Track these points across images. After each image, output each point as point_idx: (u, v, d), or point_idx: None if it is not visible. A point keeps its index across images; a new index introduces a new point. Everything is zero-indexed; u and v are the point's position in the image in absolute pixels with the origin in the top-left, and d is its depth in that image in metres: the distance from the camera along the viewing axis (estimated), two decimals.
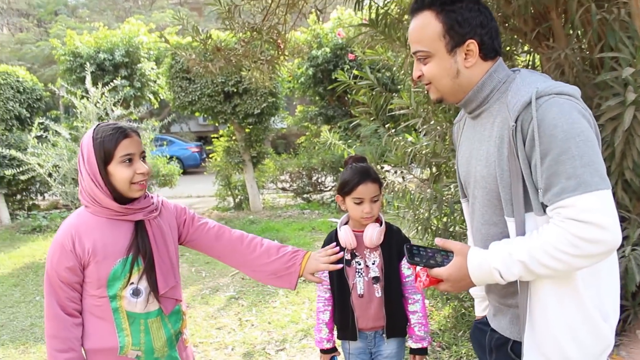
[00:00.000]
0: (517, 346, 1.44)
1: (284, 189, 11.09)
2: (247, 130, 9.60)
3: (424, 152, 3.89)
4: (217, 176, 10.40)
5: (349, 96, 12.90)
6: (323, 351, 2.25)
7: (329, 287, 2.20)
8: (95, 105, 7.21)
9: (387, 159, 4.48)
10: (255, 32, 3.47)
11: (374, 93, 4.42)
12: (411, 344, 2.19)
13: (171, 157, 11.78)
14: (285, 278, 1.90)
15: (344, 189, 2.09)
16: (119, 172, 1.72)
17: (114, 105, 7.46)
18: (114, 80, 8.22)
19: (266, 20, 3.50)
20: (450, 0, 1.36)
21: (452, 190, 3.84)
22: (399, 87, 4.42)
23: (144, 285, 1.79)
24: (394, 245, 2.12)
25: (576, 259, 1.21)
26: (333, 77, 11.06)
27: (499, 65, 1.41)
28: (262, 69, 3.57)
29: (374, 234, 2.07)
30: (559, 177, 1.22)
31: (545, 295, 1.31)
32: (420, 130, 3.82)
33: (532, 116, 1.24)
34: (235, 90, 8.82)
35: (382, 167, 4.86)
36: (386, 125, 4.70)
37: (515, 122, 1.28)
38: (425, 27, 1.38)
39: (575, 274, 1.28)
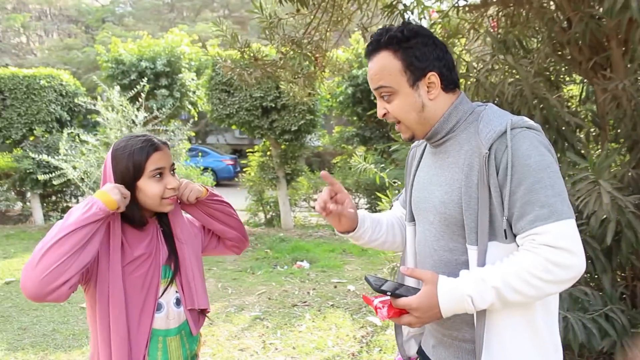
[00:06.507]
0: None
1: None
2: (282, 146, 9.52)
3: None
4: (249, 191, 10.33)
5: None
6: None
7: None
8: (120, 113, 7.24)
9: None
10: (295, 46, 3.37)
11: None
12: None
13: (205, 169, 11.68)
14: None
15: None
16: (150, 188, 1.62)
17: (138, 110, 7.43)
18: (153, 89, 8.21)
19: (307, 35, 3.40)
20: (405, 38, 1.40)
21: None
22: None
23: (166, 299, 1.68)
24: None
25: (549, 285, 1.23)
26: (372, 99, 10.94)
27: (463, 97, 1.45)
28: (300, 84, 3.47)
29: None
30: (533, 205, 1.25)
31: (503, 327, 1.32)
32: None
33: (507, 145, 1.28)
34: (273, 105, 8.76)
35: None
36: None
37: (489, 149, 1.30)
38: (385, 65, 1.42)
39: (534, 305, 1.31)
